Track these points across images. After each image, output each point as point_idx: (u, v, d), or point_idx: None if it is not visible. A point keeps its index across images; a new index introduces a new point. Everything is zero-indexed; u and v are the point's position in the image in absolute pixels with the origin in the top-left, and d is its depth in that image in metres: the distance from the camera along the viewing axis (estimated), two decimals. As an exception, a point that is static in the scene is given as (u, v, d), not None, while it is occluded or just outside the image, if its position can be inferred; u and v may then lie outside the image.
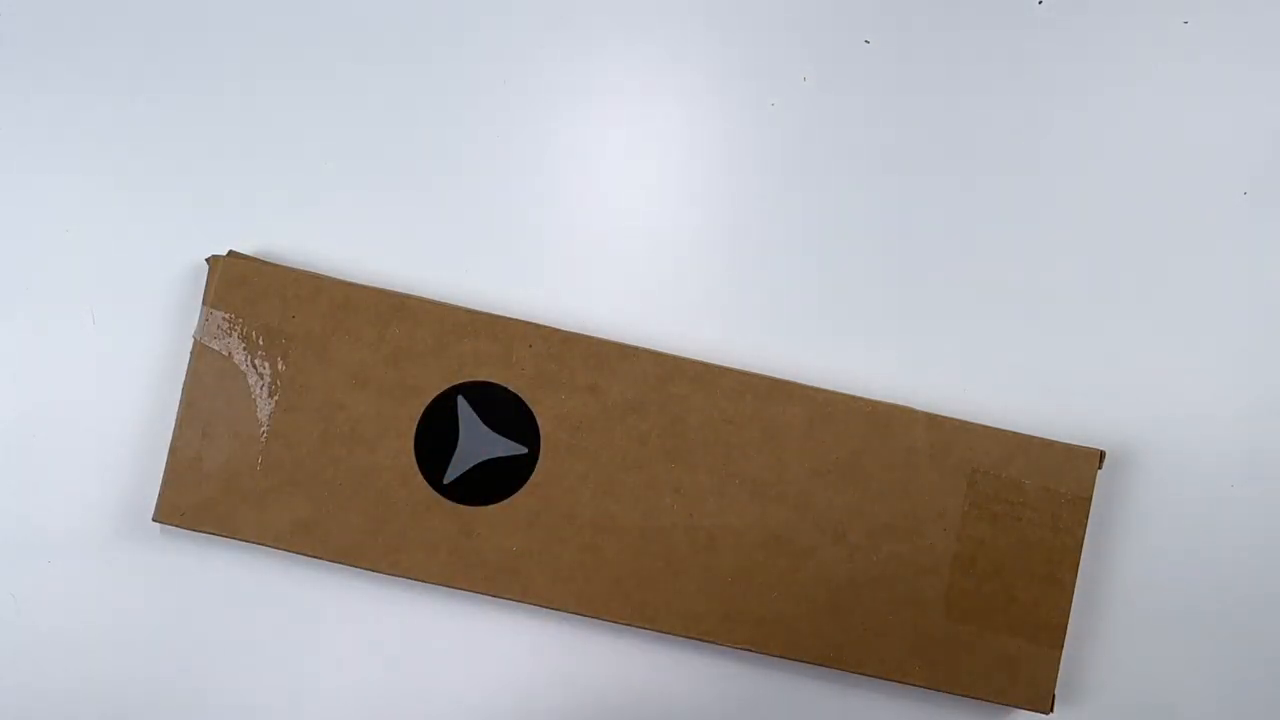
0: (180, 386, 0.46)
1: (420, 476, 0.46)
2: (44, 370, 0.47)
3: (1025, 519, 0.46)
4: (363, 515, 0.45)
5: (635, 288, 0.49)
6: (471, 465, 0.46)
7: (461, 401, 0.46)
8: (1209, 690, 0.48)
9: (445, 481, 0.46)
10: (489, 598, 0.46)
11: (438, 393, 0.46)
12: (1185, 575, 0.48)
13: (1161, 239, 0.49)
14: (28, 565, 0.47)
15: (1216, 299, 0.49)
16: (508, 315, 0.46)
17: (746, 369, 0.47)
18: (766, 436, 0.46)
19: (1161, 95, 0.50)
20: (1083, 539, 0.46)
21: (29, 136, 0.48)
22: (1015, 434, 0.47)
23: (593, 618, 0.46)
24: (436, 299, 0.47)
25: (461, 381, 0.46)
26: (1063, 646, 0.46)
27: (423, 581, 0.46)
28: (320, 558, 0.45)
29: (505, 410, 0.46)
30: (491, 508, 0.46)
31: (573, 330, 0.46)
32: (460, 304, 0.46)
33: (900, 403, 0.47)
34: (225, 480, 0.45)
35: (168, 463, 0.45)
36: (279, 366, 0.46)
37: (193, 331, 0.46)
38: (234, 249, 0.47)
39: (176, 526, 0.45)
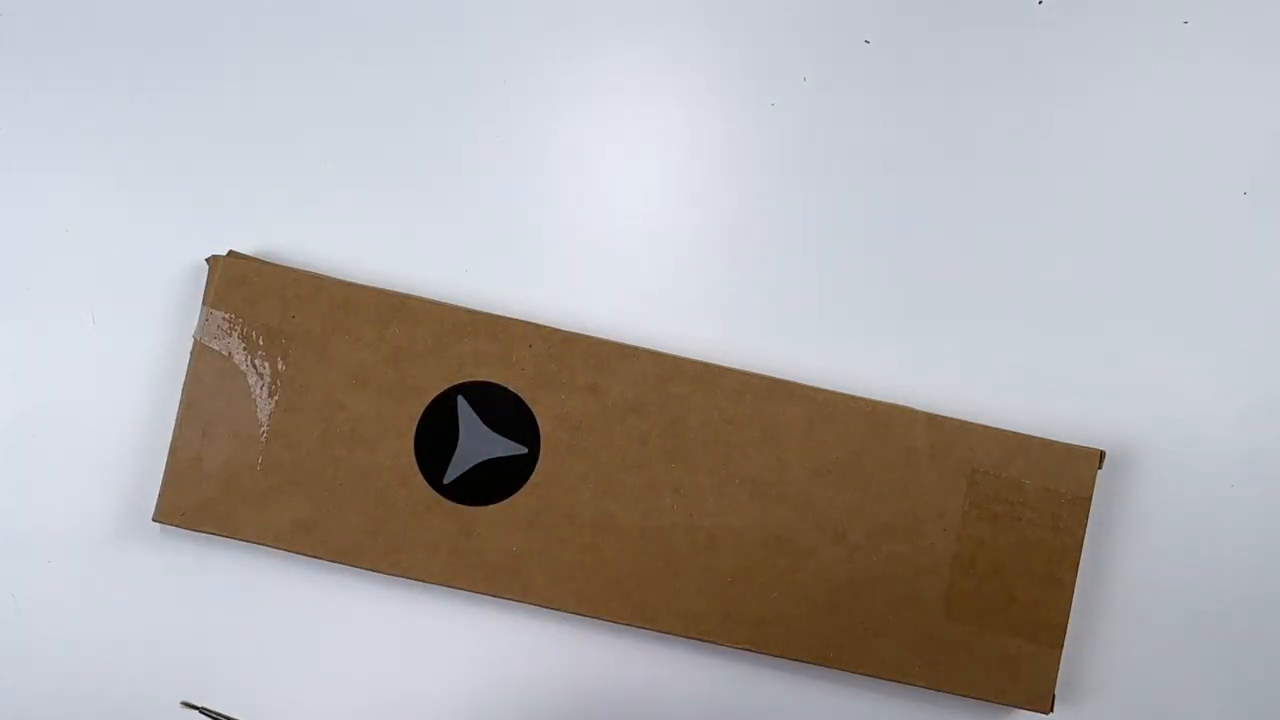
0: (180, 386, 0.46)
1: (420, 476, 0.46)
2: (44, 370, 0.47)
3: (1025, 519, 0.46)
4: (363, 515, 0.45)
5: (635, 288, 0.49)
6: (471, 465, 0.46)
7: (461, 401, 0.46)
8: (1209, 690, 0.48)
9: (445, 481, 0.46)
10: (489, 598, 0.46)
11: (438, 393, 0.46)
12: (1185, 575, 0.48)
13: (1161, 239, 0.49)
14: (28, 565, 0.47)
15: (1216, 299, 0.49)
16: (508, 315, 0.46)
17: (746, 369, 0.47)
18: (766, 436, 0.46)
19: (1161, 95, 0.50)
20: (1083, 539, 0.46)
21: (29, 136, 0.48)
22: (1015, 434, 0.47)
23: (593, 618, 0.46)
24: (436, 299, 0.47)
25: (461, 381, 0.46)
26: (1063, 646, 0.46)
27: (423, 581, 0.46)
28: (320, 558, 0.45)
29: (505, 410, 0.46)
30: (491, 508, 0.46)
31: (573, 330, 0.46)
32: (460, 304, 0.46)
33: (900, 403, 0.47)
34: (225, 480, 0.45)
35: (168, 463, 0.45)
36: (279, 366, 0.46)
37: (193, 331, 0.46)
38: (234, 249, 0.47)
39: (176, 526, 0.45)
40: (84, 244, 0.48)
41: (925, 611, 0.46)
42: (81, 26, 0.48)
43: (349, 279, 0.47)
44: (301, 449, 0.45)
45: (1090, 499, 0.46)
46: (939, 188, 0.49)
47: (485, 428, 0.46)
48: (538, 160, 0.49)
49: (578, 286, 0.48)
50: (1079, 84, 0.50)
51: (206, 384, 0.45)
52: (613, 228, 0.49)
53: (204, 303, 0.46)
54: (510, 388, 0.46)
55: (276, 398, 0.45)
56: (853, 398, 0.47)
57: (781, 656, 0.46)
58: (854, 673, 0.46)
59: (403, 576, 0.46)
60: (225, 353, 0.45)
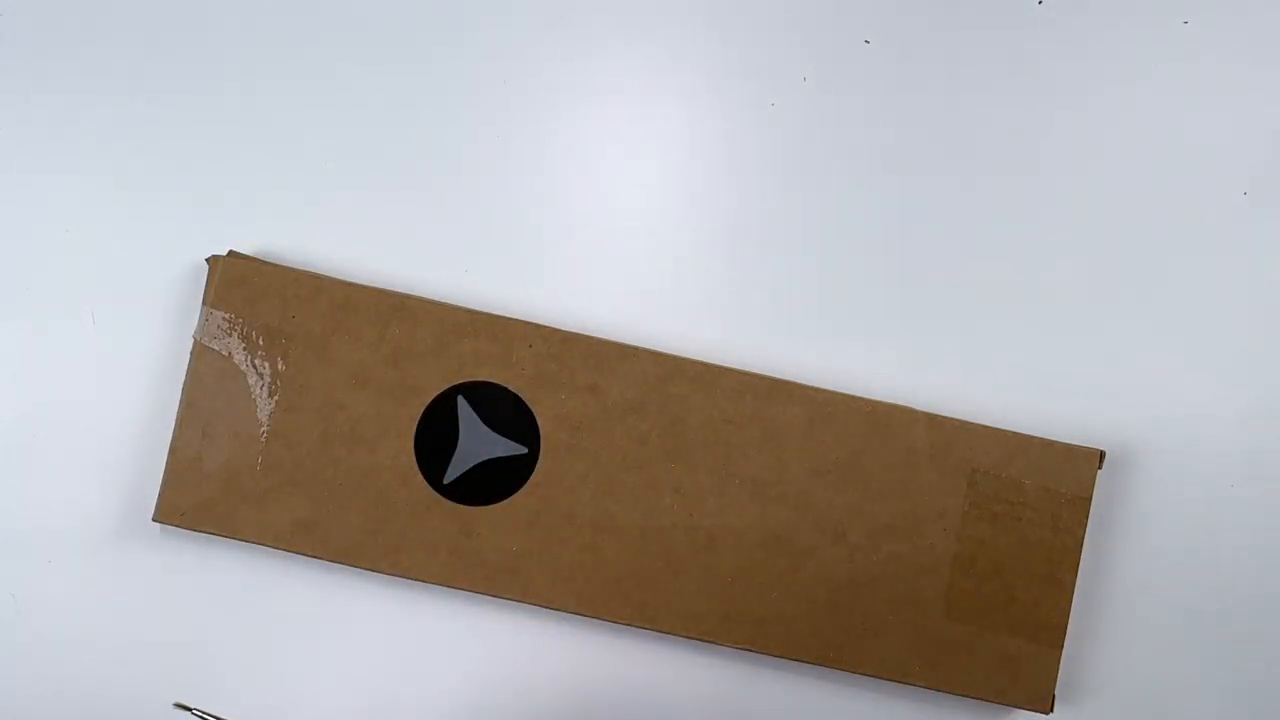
0: (180, 386, 0.46)
1: (420, 476, 0.45)
2: (44, 370, 0.47)
3: (1025, 519, 0.46)
4: (363, 515, 0.45)
5: (635, 288, 0.49)
6: (471, 465, 0.46)
7: (461, 401, 0.46)
8: (1209, 690, 0.48)
9: (445, 481, 0.46)
10: (489, 598, 0.46)
11: (438, 393, 0.46)
12: (1185, 575, 0.48)
13: (1161, 239, 0.49)
14: (28, 565, 0.47)
15: (1216, 299, 0.49)
16: (508, 315, 0.46)
17: (746, 369, 0.47)
18: (766, 436, 0.46)
19: (1161, 95, 0.50)
20: (1083, 539, 0.46)
21: (29, 136, 0.48)
22: (1015, 434, 0.47)
23: (593, 618, 0.46)
24: (436, 299, 0.47)
25: (461, 381, 0.46)
26: (1063, 646, 0.46)
27: (423, 581, 0.46)
28: (320, 558, 0.45)
29: (505, 410, 0.46)
30: (491, 508, 0.46)
31: (573, 330, 0.46)
32: (460, 304, 0.46)
33: (900, 403, 0.47)
34: (225, 480, 0.45)
35: (168, 463, 0.45)
36: (279, 366, 0.46)
37: (193, 331, 0.46)
38: (234, 249, 0.47)
39: (176, 526, 0.45)
40: (84, 244, 0.48)
41: (925, 611, 0.46)
42: (81, 26, 0.48)
43: (349, 279, 0.47)
44: (301, 449, 0.45)
45: (1090, 499, 0.46)
46: (939, 188, 0.49)
47: (485, 428, 0.46)
48: (538, 160, 0.49)
49: (578, 286, 0.48)
50: (1079, 84, 0.50)
51: (206, 384, 0.45)
52: (613, 228, 0.49)
53: (204, 303, 0.46)
54: (510, 388, 0.46)
55: (276, 398, 0.45)
56: (853, 398, 0.46)
57: (781, 656, 0.46)
58: (854, 673, 0.46)
59: (403, 576, 0.46)
60: (225, 353, 0.45)
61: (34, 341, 0.47)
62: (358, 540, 0.45)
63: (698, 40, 0.49)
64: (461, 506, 0.46)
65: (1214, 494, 0.49)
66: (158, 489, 0.45)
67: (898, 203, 0.49)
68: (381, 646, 0.47)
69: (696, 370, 0.46)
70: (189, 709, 0.40)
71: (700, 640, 0.46)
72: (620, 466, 0.46)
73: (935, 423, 0.46)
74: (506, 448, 0.46)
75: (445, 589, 0.46)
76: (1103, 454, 0.47)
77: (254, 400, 0.45)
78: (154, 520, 0.45)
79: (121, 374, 0.47)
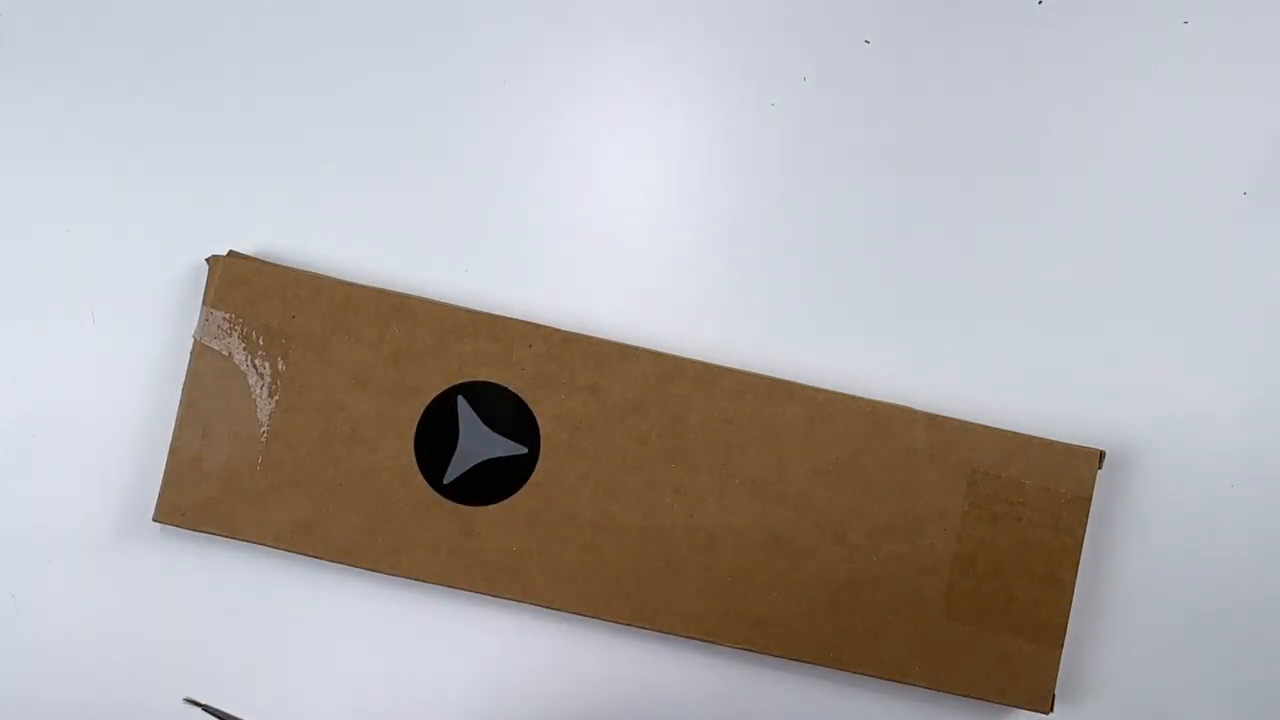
0: (180, 386, 0.46)
1: (420, 476, 0.46)
2: (44, 370, 0.47)
3: (1025, 519, 0.46)
4: (363, 515, 0.45)
5: (635, 288, 0.49)
6: (471, 465, 0.46)
7: (461, 401, 0.46)
8: (1209, 690, 0.48)
9: (445, 481, 0.46)
10: (489, 598, 0.46)
11: (438, 393, 0.46)
12: (1185, 575, 0.48)
13: (1161, 239, 0.49)
14: (28, 565, 0.47)
15: (1216, 299, 0.49)
16: (508, 315, 0.46)
17: (746, 369, 0.47)
18: (766, 436, 0.46)
19: (1161, 95, 0.50)
20: (1083, 539, 0.46)
21: (29, 136, 0.48)
22: (1015, 434, 0.47)
23: (593, 618, 0.46)
24: (436, 299, 0.47)
25: (461, 381, 0.46)
26: (1063, 646, 0.46)
27: (423, 581, 0.46)
28: (320, 558, 0.45)
29: (505, 410, 0.46)
30: (491, 508, 0.46)
31: (573, 330, 0.46)
32: (460, 304, 0.46)
33: (900, 403, 0.47)
34: (225, 480, 0.45)
35: (168, 463, 0.45)
36: (279, 366, 0.46)
37: (193, 331, 0.46)
38: (234, 249, 0.47)
39: (176, 526, 0.45)
40: (84, 244, 0.48)
41: (925, 611, 0.46)
42: (81, 26, 0.48)
43: (349, 279, 0.47)
44: (301, 449, 0.45)
45: (1090, 499, 0.46)
46: (939, 188, 0.49)
47: (485, 428, 0.46)
48: (538, 160, 0.49)
49: (578, 286, 0.48)
50: (1079, 84, 0.50)
51: (206, 384, 0.45)
52: (613, 228, 0.49)
53: (204, 303, 0.46)
54: (510, 388, 0.46)
55: (276, 398, 0.45)
56: (853, 398, 0.47)
57: (781, 656, 0.46)
58: (854, 673, 0.46)
59: (403, 576, 0.46)
60: (225, 353, 0.45)
61: (34, 341, 0.47)
62: (358, 540, 0.45)
63: (698, 40, 0.49)
64: (461, 506, 0.46)
65: (1214, 494, 0.49)
66: (158, 489, 0.45)
67: (898, 203, 0.49)
68: (381, 646, 0.47)
69: (696, 370, 0.46)
70: (198, 704, 0.40)
71: (700, 640, 0.46)
72: (620, 466, 0.46)
73: (935, 423, 0.46)
74: (506, 448, 0.46)
75: (445, 589, 0.46)
76: (1103, 454, 0.47)
77: (254, 400, 0.45)
78: (154, 520, 0.45)
79: (121, 374, 0.47)
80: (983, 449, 0.46)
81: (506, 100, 0.49)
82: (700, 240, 0.49)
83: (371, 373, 0.46)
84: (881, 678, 0.46)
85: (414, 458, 0.46)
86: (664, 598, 0.46)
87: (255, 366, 0.45)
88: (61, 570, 0.47)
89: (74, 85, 0.48)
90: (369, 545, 0.45)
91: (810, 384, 0.47)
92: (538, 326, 0.46)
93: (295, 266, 0.47)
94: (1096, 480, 0.46)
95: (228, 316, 0.46)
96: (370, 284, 0.46)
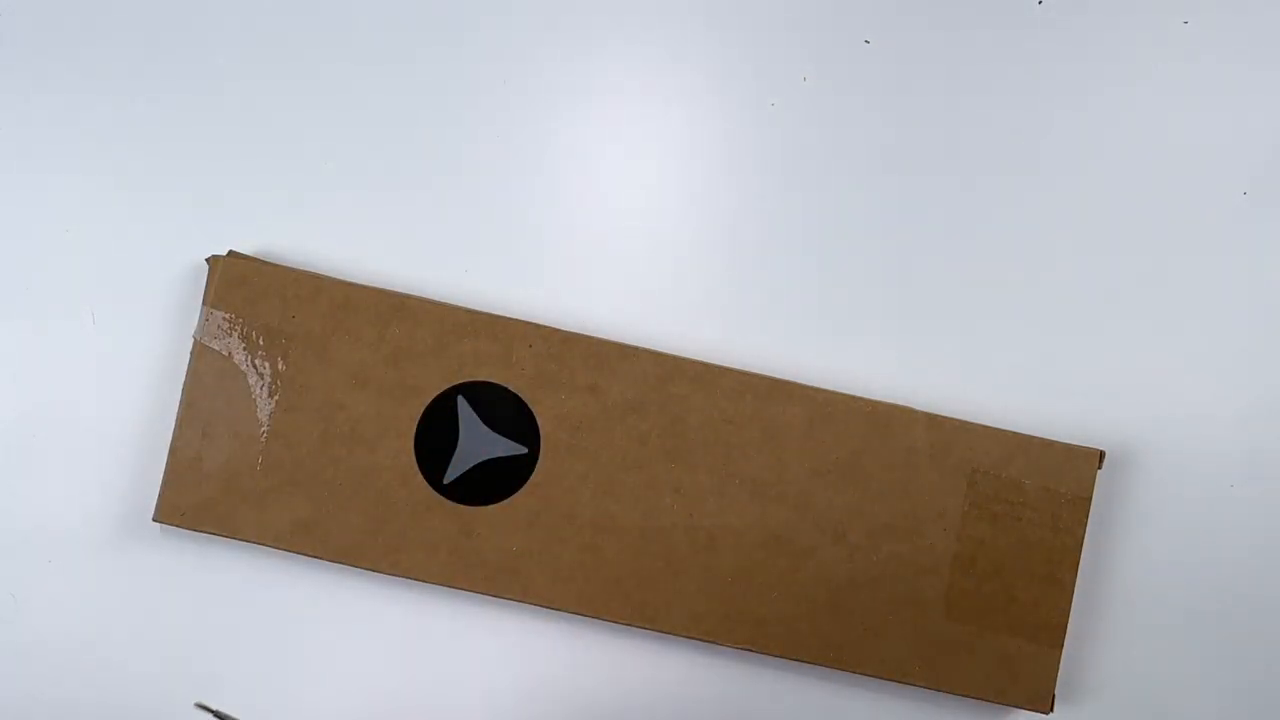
0: (180, 386, 0.46)
1: (420, 476, 0.46)
2: (44, 370, 0.47)
3: (1025, 519, 0.46)
4: (363, 515, 0.45)
5: (635, 288, 0.49)
6: (471, 465, 0.46)
7: (461, 401, 0.46)
8: (1209, 690, 0.48)
9: (445, 481, 0.46)
10: (489, 598, 0.46)
11: (438, 393, 0.46)
12: (1185, 575, 0.48)
13: (1161, 239, 0.49)
14: (28, 565, 0.47)
15: (1216, 299, 0.49)
16: (508, 315, 0.46)
17: (746, 369, 0.47)
18: (766, 436, 0.46)
19: (1161, 95, 0.50)
20: (1083, 539, 0.46)
21: (29, 136, 0.48)
22: (1015, 434, 0.47)
23: (593, 618, 0.46)
24: (436, 299, 0.47)
25: (461, 381, 0.46)
26: (1063, 646, 0.46)
27: (423, 581, 0.46)
28: (320, 558, 0.45)
29: (505, 410, 0.46)
30: (491, 508, 0.46)
31: (573, 330, 0.46)
32: (460, 304, 0.46)
33: (900, 403, 0.47)
34: (225, 480, 0.45)
35: (168, 463, 0.45)
36: (279, 366, 0.46)
37: (193, 331, 0.46)
38: (234, 249, 0.47)
39: (176, 526, 0.45)
40: (84, 244, 0.48)
41: (925, 611, 0.46)
42: (81, 26, 0.48)
43: (349, 279, 0.47)
44: (301, 449, 0.45)
45: (1090, 499, 0.46)
46: (939, 188, 0.49)
47: (485, 428, 0.46)
48: (538, 160, 0.49)
49: (578, 286, 0.48)
50: (1079, 84, 0.50)
51: (206, 384, 0.45)
52: (613, 228, 0.49)
53: (204, 303, 0.46)
54: (510, 388, 0.46)
55: (276, 398, 0.45)
56: (853, 398, 0.46)
57: (781, 656, 0.46)
58: (854, 673, 0.46)
59: (403, 576, 0.46)
60: (225, 353, 0.45)
61: (34, 341, 0.47)
62: (358, 540, 0.45)
63: (698, 40, 0.49)
64: (461, 506, 0.46)
65: (1214, 494, 0.49)
66: (158, 489, 0.45)
67: (898, 203, 0.49)
68: (381, 646, 0.47)
69: (696, 370, 0.46)
70: (209, 709, 0.40)
71: (700, 640, 0.46)
72: (620, 466, 0.46)
73: (935, 423, 0.46)
74: (506, 448, 0.46)
75: (445, 589, 0.46)
76: (1103, 454, 0.47)
77: (254, 400, 0.45)
78: (154, 520, 0.45)
79: (121, 374, 0.47)
80: (983, 449, 0.46)
81: (506, 100, 0.49)
82: (700, 240, 0.49)
83: (371, 373, 0.46)
84: (881, 678, 0.46)
85: (414, 458, 0.46)
86: (664, 598, 0.46)
87: (255, 366, 0.45)
88: (61, 570, 0.47)
89: (74, 85, 0.48)
90: (369, 545, 0.45)
91: (810, 384, 0.47)
92: (538, 326, 0.46)
93: (295, 266, 0.47)
94: (1096, 480, 0.46)
95: (228, 316, 0.46)
96: (370, 284, 0.46)
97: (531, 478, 0.46)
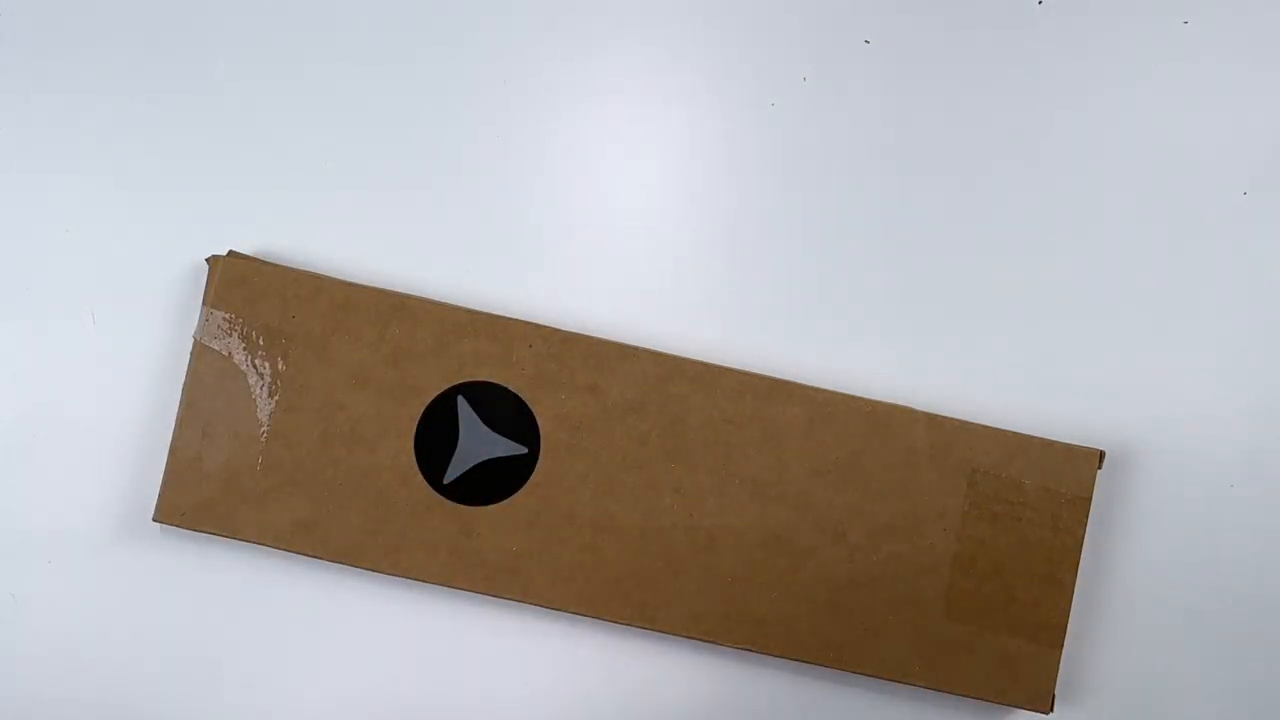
0: (180, 386, 0.46)
1: (420, 476, 0.45)
2: (44, 370, 0.47)
3: (1025, 519, 0.46)
4: (363, 515, 0.45)
5: (635, 288, 0.49)
6: (471, 465, 0.46)
7: (461, 401, 0.46)
8: (1209, 690, 0.48)
9: (445, 481, 0.46)
10: (489, 598, 0.46)
11: (438, 393, 0.46)
12: (1185, 575, 0.48)
13: (1161, 239, 0.49)
14: (28, 565, 0.47)
15: (1216, 299, 0.49)
16: (508, 315, 0.46)
17: (746, 369, 0.47)
18: (766, 436, 0.46)
19: (1161, 95, 0.50)
20: (1083, 539, 0.46)
21: (29, 136, 0.48)
22: (1015, 434, 0.47)
23: (593, 618, 0.46)
24: (436, 299, 0.47)
25: (461, 381, 0.46)
26: (1063, 646, 0.46)
27: (423, 581, 0.45)
28: (320, 558, 0.45)
29: (505, 410, 0.46)
30: (491, 508, 0.46)
31: (573, 330, 0.46)
32: (460, 304, 0.46)
33: (900, 403, 0.47)
34: (225, 480, 0.45)
35: (168, 463, 0.45)
36: (279, 366, 0.46)
37: (193, 331, 0.46)
38: (234, 249, 0.47)
39: (176, 526, 0.45)
40: (84, 244, 0.48)
41: (925, 611, 0.46)
42: (81, 26, 0.48)
43: (349, 279, 0.47)
44: (301, 449, 0.45)
45: (1090, 499, 0.46)
46: (939, 188, 0.49)
47: (485, 428, 0.46)
48: (538, 160, 0.49)
49: (578, 286, 0.48)
50: (1079, 84, 0.50)
51: (206, 384, 0.45)
52: (613, 228, 0.49)
53: (204, 303, 0.46)
54: (510, 388, 0.46)
55: (276, 398, 0.45)
56: (853, 398, 0.46)
57: (781, 656, 0.46)
58: (854, 673, 0.46)
59: (403, 576, 0.46)
60: (225, 353, 0.45)
61: (34, 341, 0.47)
62: (358, 540, 0.45)
63: (698, 40, 0.49)
64: (461, 506, 0.46)
65: (1214, 494, 0.49)
66: (158, 489, 0.45)
67: (897, 203, 0.49)
68: (381, 646, 0.47)
69: (696, 370, 0.46)
70: None
71: (700, 640, 0.46)
72: (620, 466, 0.46)
73: (935, 423, 0.46)
74: (506, 448, 0.46)
75: (445, 589, 0.46)
76: (1103, 454, 0.47)
77: (254, 400, 0.45)
78: (154, 520, 0.45)
79: (121, 374, 0.47)
80: (983, 449, 0.46)
81: (506, 100, 0.49)
82: (700, 240, 0.49)
83: (371, 373, 0.46)
84: (881, 678, 0.46)
85: (414, 458, 0.46)
86: (664, 598, 0.46)
87: (255, 366, 0.45)
88: (61, 570, 0.47)
89: (74, 85, 0.48)
90: (369, 545, 0.45)
91: (810, 384, 0.47)
92: (538, 326, 0.46)
93: (295, 266, 0.47)
94: (1096, 480, 0.46)
95: (228, 316, 0.46)
96: (370, 284, 0.46)
97: (531, 478, 0.46)
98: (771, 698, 0.48)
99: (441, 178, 0.49)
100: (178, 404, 0.46)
